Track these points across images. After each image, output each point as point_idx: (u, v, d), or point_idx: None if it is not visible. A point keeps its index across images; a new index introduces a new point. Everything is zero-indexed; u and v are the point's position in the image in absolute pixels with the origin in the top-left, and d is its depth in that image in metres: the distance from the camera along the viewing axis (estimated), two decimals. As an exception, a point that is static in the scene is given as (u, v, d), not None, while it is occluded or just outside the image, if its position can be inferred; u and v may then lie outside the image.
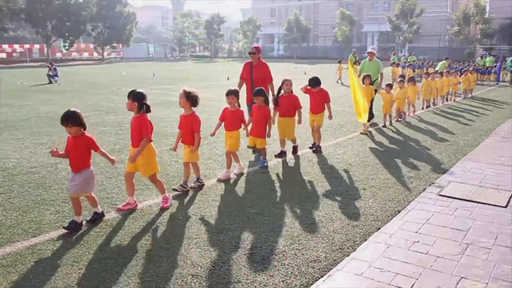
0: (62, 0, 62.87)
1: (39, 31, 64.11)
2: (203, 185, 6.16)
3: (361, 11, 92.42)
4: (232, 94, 6.65)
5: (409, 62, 31.17)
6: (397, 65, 27.82)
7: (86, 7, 66.43)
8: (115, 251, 4.18)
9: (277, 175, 6.86)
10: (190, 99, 5.74)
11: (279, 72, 34.34)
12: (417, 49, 59.87)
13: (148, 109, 5.19)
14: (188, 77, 30.24)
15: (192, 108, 5.85)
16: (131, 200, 5.33)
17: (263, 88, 7.28)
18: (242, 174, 6.80)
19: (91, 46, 75.30)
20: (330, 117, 8.38)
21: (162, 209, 5.26)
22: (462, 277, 3.72)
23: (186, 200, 5.64)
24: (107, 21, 70.01)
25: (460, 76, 18.76)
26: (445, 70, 18.35)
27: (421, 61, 34.33)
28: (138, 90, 5.22)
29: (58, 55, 68.14)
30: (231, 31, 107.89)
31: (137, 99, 5.12)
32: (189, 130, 5.85)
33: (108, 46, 75.64)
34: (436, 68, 21.46)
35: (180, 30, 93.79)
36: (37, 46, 69.05)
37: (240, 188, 6.16)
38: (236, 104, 6.69)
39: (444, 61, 24.21)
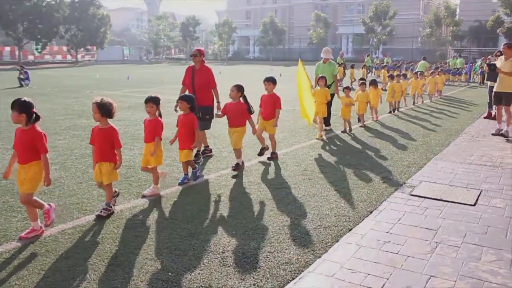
0: (34, 2, 61.81)
1: (9, 33, 62.81)
2: (112, 213, 5.22)
3: (336, 13, 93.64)
4: (150, 101, 5.77)
5: (384, 63, 31.64)
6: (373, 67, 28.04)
7: (58, 9, 65.45)
8: (83, 258, 4.09)
9: (249, 177, 6.83)
10: (105, 111, 4.98)
11: (254, 74, 34.51)
12: (390, 50, 60.89)
13: (37, 118, 4.45)
14: (163, 80, 30.00)
15: (109, 120, 5.10)
16: (35, 225, 4.58)
17: (191, 95, 6.63)
18: (159, 195, 5.88)
19: (65, 48, 74.33)
20: (274, 124, 7.63)
21: (20, 239, 4.46)
22: (431, 276, 3.77)
23: (157, 205, 5.57)
24: (81, 23, 69.17)
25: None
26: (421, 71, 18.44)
27: (394, 63, 34.90)
28: (23, 99, 4.39)
29: (30, 57, 66.99)
30: (206, 33, 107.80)
31: (25, 111, 4.35)
32: (107, 145, 5.08)
33: (82, 49, 74.77)
34: (417, 69, 21.12)
35: (155, 33, 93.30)
36: (7, 48, 67.76)
37: (212, 192, 6.12)
38: (157, 113, 5.87)
39: (423, 61, 23.14)
